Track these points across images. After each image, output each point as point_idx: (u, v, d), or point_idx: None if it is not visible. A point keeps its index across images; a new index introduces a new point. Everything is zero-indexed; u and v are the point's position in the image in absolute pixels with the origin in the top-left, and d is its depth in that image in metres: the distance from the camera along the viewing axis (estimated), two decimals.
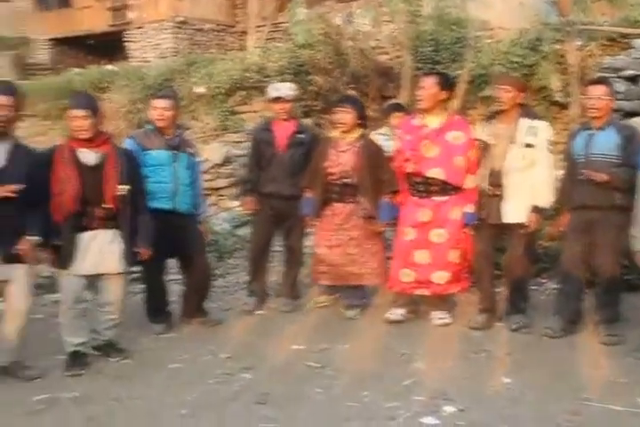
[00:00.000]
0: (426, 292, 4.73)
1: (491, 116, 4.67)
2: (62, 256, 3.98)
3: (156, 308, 4.87)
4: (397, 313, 4.83)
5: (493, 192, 4.45)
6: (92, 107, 4.04)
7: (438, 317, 4.78)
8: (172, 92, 4.95)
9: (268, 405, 3.54)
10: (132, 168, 4.16)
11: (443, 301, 4.83)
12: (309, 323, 4.91)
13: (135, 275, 5.14)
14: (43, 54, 20.48)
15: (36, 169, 3.91)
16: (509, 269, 4.59)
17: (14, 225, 3.80)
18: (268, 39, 15.42)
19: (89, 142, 4.01)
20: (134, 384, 3.88)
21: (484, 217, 4.52)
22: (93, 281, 4.13)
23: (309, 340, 4.52)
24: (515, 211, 4.42)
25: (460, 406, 3.46)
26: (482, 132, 4.56)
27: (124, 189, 4.03)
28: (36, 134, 12.08)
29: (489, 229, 4.54)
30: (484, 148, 4.48)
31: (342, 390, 3.72)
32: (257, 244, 5.23)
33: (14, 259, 3.84)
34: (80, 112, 3.96)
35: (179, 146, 4.72)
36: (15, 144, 3.93)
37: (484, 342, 4.41)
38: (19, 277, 3.89)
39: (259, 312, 5.17)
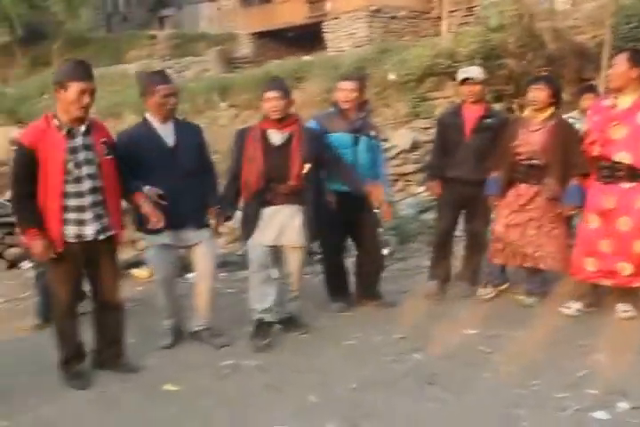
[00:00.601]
0: (610, 282, 4.49)
1: None
2: (248, 228, 4.29)
3: (336, 287, 5.05)
4: (573, 307, 4.63)
5: None
6: (284, 89, 4.29)
7: (622, 309, 4.52)
8: (359, 75, 4.85)
9: (437, 386, 3.60)
10: (317, 148, 4.33)
11: (629, 293, 4.55)
12: (485, 309, 4.86)
13: (319, 256, 5.35)
14: (246, 48, 21.71)
15: (203, 144, 4.32)
16: None
17: (201, 196, 4.18)
18: (460, 24, 15.22)
19: (278, 123, 4.25)
20: (311, 357, 4.10)
21: None
22: (276, 253, 4.38)
23: (483, 325, 4.48)
24: None
25: (636, 403, 3.28)
26: None
27: (307, 167, 4.25)
28: (238, 122, 12.79)
29: None
30: None
31: (512, 376, 3.67)
32: (441, 229, 5.26)
33: (203, 226, 4.26)
34: (273, 93, 4.21)
35: (360, 129, 4.77)
36: (177, 123, 4.27)
37: None
38: (206, 239, 4.29)
39: (437, 296, 5.19)
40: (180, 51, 23.19)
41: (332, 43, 18.97)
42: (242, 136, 4.35)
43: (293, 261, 4.44)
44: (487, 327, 4.44)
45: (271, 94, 4.22)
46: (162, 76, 4.25)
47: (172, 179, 4.07)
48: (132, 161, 3.96)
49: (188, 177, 4.13)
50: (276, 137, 4.28)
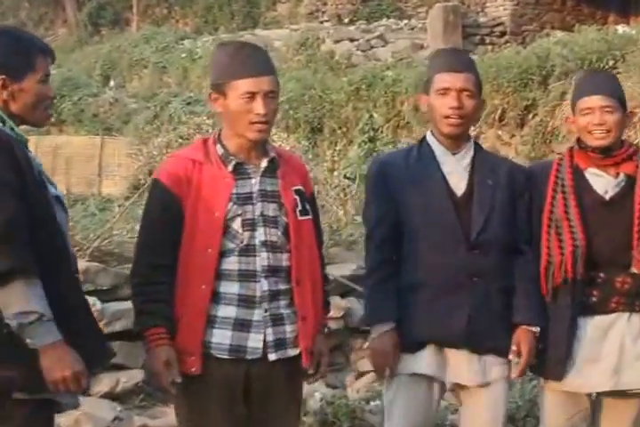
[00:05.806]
0: None
1: None
2: (547, 358, 4.13)
3: None
4: None
5: None
6: (616, 94, 4.09)
7: None
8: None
9: None
10: None
11: None
12: None
13: None
14: (500, 9, 20.05)
15: (516, 198, 4.24)
16: None
17: (505, 293, 4.15)
18: None
19: (604, 157, 4.08)
20: None
21: None
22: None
23: None
24: None
25: None
26: None
27: None
28: (493, 147, 12.81)
29: None
30: None
31: None
32: None
33: (500, 352, 4.24)
34: (598, 100, 3.97)
35: None
36: (479, 154, 4.19)
37: None
38: (499, 381, 4.18)
39: None
40: (369, 9, 22.17)
41: None
42: (534, 178, 4.26)
43: (628, 416, 4.25)
44: None
45: (594, 101, 4.01)
46: (449, 57, 4.15)
47: (450, 257, 3.92)
48: (381, 213, 4.11)
49: (482, 257, 3.93)
50: (604, 183, 4.10)
